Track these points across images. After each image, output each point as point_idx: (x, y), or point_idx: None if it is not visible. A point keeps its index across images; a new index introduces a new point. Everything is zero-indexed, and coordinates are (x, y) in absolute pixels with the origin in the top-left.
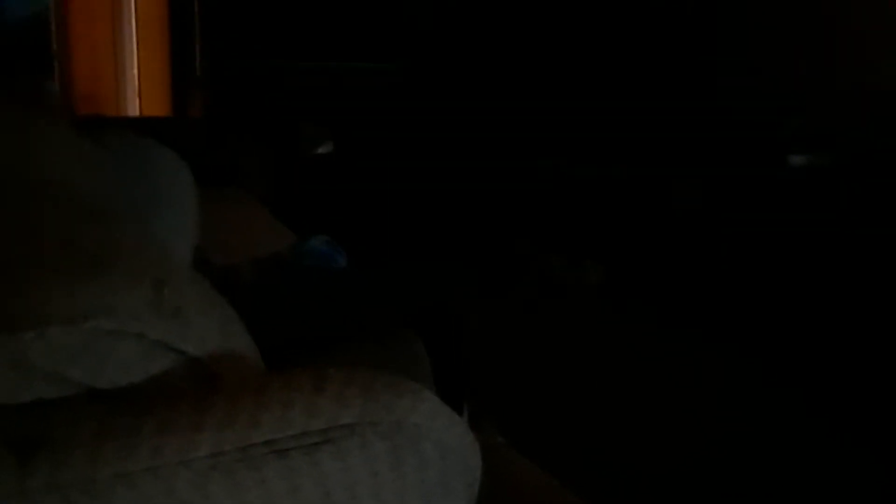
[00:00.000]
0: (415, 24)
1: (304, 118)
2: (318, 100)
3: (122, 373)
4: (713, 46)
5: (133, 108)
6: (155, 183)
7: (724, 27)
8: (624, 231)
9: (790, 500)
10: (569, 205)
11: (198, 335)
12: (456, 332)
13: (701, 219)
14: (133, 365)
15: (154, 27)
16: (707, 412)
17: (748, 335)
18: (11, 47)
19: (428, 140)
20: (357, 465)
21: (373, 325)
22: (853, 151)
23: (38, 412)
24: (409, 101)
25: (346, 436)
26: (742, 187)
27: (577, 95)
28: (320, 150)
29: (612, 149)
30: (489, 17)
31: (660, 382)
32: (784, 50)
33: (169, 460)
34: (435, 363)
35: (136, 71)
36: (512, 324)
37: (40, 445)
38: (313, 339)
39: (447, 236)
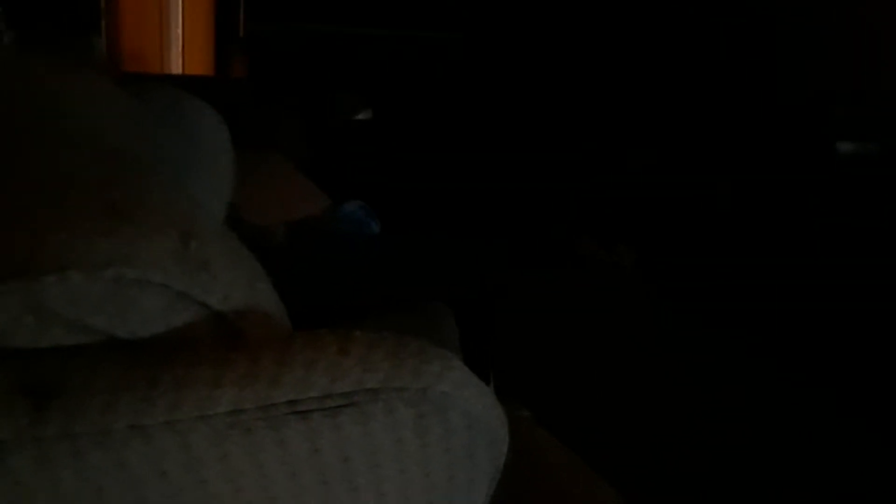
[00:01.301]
0: None
1: (344, 84)
2: (360, 66)
3: (143, 323)
4: (757, 30)
5: (176, 67)
6: (192, 137)
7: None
8: (659, 217)
9: (814, 480)
10: (607, 188)
11: (223, 289)
12: (487, 306)
13: (738, 206)
14: (155, 316)
15: None
16: (732, 397)
17: (779, 324)
18: (59, 2)
19: (470, 114)
20: (380, 430)
21: (403, 294)
22: None
23: (56, 359)
24: (456, 73)
25: (371, 400)
26: (785, 177)
27: (624, 80)
28: (359, 117)
29: (652, 135)
30: None
31: (686, 365)
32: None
33: (186, 415)
34: (464, 335)
35: (180, 30)
36: (544, 301)
37: (57, 393)
38: (342, 305)
39: (483, 210)
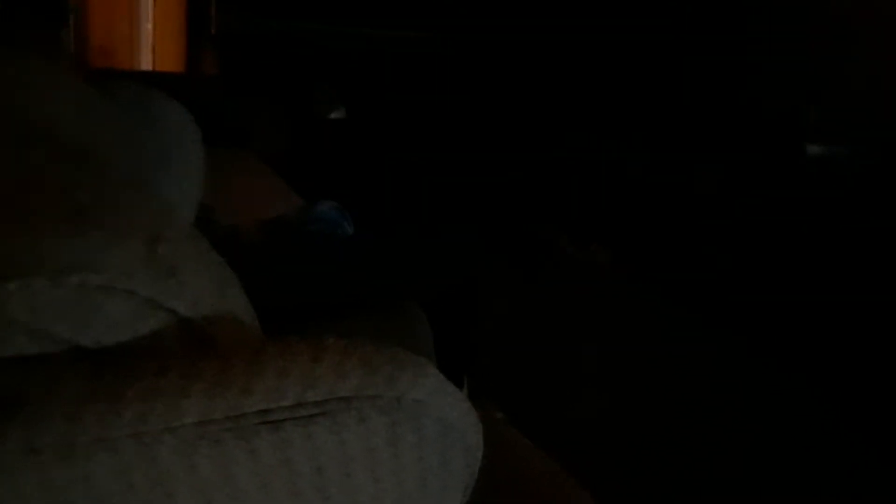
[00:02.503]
0: None
1: (318, 81)
2: (334, 64)
3: (109, 331)
4: (735, 34)
5: (147, 63)
6: (160, 136)
7: (745, 17)
8: (635, 216)
9: (793, 478)
10: (581, 187)
11: (192, 295)
12: (462, 307)
13: (714, 205)
14: (121, 323)
15: None
16: (710, 396)
17: (754, 322)
18: None
19: (445, 114)
20: (353, 440)
21: (375, 295)
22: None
23: (16, 369)
24: (432, 72)
25: (343, 409)
26: (757, 174)
27: (599, 82)
28: (333, 115)
29: (631, 134)
30: None
31: (663, 365)
32: (803, 40)
33: (153, 426)
34: (438, 336)
35: (150, 25)
36: (519, 300)
37: (18, 405)
38: (313, 306)
39: (459, 210)
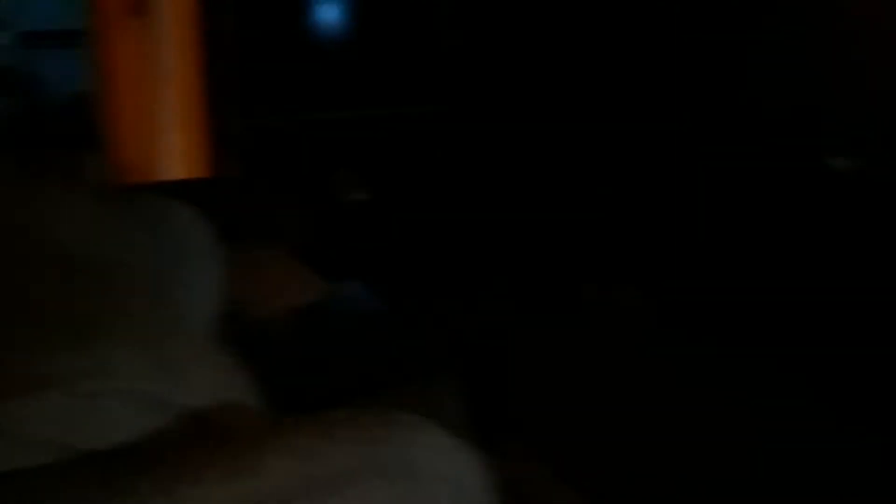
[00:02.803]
0: (448, 69)
1: (338, 167)
2: (353, 149)
3: (117, 430)
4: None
5: (173, 173)
6: (174, 242)
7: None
8: (664, 256)
9: None
10: (608, 233)
11: (197, 387)
12: (495, 367)
13: (740, 238)
14: (130, 422)
15: (191, 92)
16: (757, 443)
17: (789, 359)
18: (58, 123)
19: (463, 180)
20: None
21: (405, 369)
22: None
23: (28, 478)
24: (443, 143)
25: (352, 481)
26: (783, 197)
27: (608, 121)
28: (355, 197)
29: (647, 175)
30: (525, 54)
31: (705, 411)
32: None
33: None
34: (474, 399)
35: (174, 136)
36: (554, 354)
37: None
38: (345, 388)
39: (486, 273)
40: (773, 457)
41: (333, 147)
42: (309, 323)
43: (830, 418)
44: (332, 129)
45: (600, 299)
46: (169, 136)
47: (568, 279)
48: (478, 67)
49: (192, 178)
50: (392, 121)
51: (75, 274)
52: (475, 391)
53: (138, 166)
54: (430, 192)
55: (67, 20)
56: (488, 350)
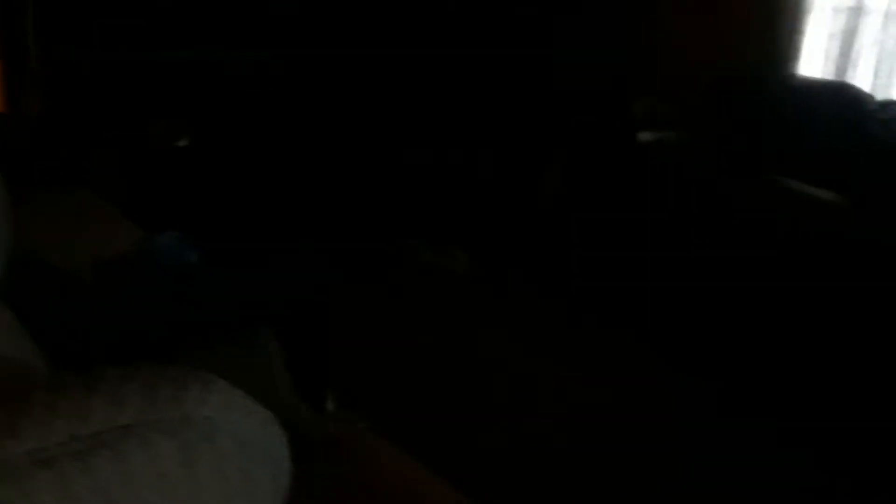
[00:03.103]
0: (279, 12)
1: (156, 112)
2: (172, 92)
3: None
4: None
5: None
6: None
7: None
8: (489, 219)
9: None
10: (434, 194)
11: None
12: (315, 324)
13: (560, 202)
14: None
15: None
16: (572, 399)
17: (612, 320)
18: None
19: (288, 132)
20: (140, 468)
21: (220, 325)
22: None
23: None
24: (272, 92)
25: (123, 437)
26: (595, 167)
27: (437, 87)
28: (173, 145)
29: (473, 137)
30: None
31: (525, 368)
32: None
33: None
34: (294, 356)
35: None
36: (379, 312)
37: None
38: (154, 342)
39: (312, 229)
40: (584, 409)
41: (151, 90)
42: (119, 274)
43: (656, 370)
44: (150, 71)
45: (428, 260)
46: None
47: (396, 238)
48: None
49: None
50: (215, 66)
51: None
52: (295, 347)
53: None
54: (255, 142)
55: None
56: (308, 306)
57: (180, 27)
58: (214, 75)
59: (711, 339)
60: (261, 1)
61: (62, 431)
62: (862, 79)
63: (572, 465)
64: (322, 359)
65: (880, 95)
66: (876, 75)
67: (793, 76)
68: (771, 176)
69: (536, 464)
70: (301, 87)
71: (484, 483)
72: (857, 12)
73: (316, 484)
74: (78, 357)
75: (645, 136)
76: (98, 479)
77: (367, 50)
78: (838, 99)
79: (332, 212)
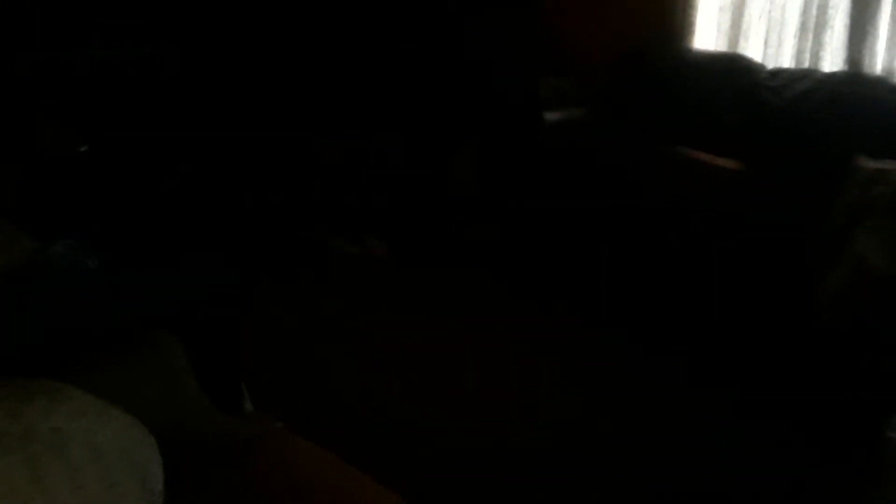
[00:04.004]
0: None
1: (50, 116)
2: (67, 94)
3: None
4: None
5: None
6: None
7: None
8: (406, 206)
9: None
10: (347, 184)
11: None
12: (224, 325)
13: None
14: None
15: None
16: (499, 386)
17: (531, 296)
18: None
19: (193, 130)
20: None
21: (122, 330)
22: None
23: None
24: (171, 90)
25: None
26: (510, 151)
27: (340, 76)
28: (68, 150)
29: (380, 126)
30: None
31: (449, 356)
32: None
33: None
34: (205, 358)
35: None
36: (298, 306)
37: None
38: (53, 351)
39: (223, 227)
40: (511, 395)
41: (42, 93)
42: (8, 287)
43: (578, 343)
44: (41, 73)
45: (347, 250)
46: None
47: (315, 231)
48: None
49: None
50: (112, 64)
51: None
52: (205, 350)
53: None
54: (155, 142)
55: None
56: (216, 307)
57: (71, 23)
58: (108, 76)
59: (621, 298)
60: None
61: None
62: (753, 49)
63: (502, 457)
64: (234, 360)
65: (771, 64)
66: (766, 45)
67: (688, 50)
68: (671, 147)
69: (463, 456)
70: (203, 83)
71: (409, 479)
72: None
73: (233, 486)
74: None
75: (552, 116)
76: None
77: (267, 41)
78: (731, 69)
79: (239, 209)
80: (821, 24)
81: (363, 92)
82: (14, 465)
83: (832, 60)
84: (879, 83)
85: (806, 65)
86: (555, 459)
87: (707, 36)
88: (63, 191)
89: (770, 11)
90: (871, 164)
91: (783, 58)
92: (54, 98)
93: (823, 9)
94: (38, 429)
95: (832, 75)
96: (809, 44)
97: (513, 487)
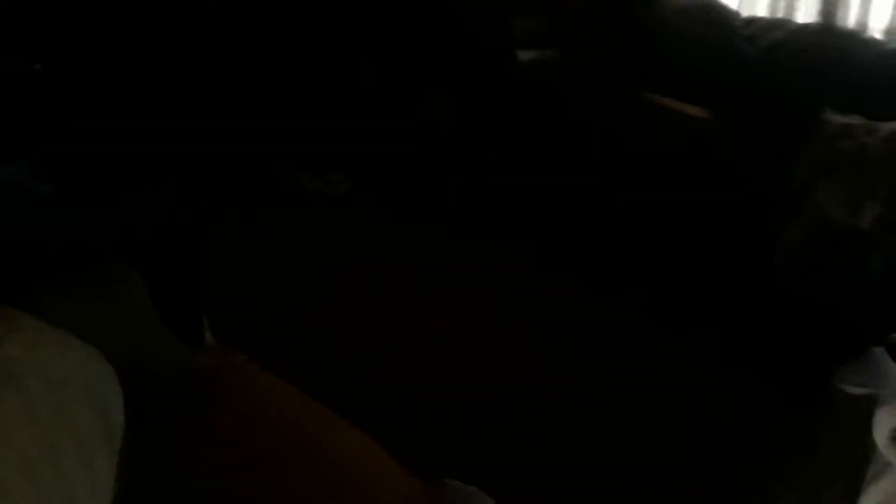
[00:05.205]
0: None
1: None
2: (21, 14)
3: None
4: None
5: None
6: None
7: None
8: (371, 144)
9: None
10: (312, 120)
11: None
12: (184, 256)
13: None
14: None
15: None
16: (458, 323)
17: (496, 237)
18: None
19: (162, 52)
20: None
21: (77, 258)
22: None
23: None
24: (135, 7)
25: None
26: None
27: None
28: (23, 69)
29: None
30: None
31: (409, 289)
32: None
33: None
34: (165, 289)
35: None
36: (261, 242)
37: None
38: (6, 278)
39: (183, 160)
40: (470, 331)
41: None
42: None
43: (539, 281)
44: None
45: (310, 187)
46: None
47: (277, 169)
48: None
49: None
50: None
51: None
52: (165, 280)
53: None
54: (117, 65)
55: None
56: (176, 236)
57: None
58: None
59: (585, 241)
60: None
61: None
62: None
63: (462, 389)
64: (195, 291)
65: (746, 12)
66: None
67: None
68: (644, 93)
69: (425, 387)
70: (168, 3)
71: (368, 411)
72: None
73: (193, 418)
74: None
75: (524, 56)
76: None
77: None
78: (706, 16)
79: (201, 136)
80: None
81: (334, 25)
82: None
83: (806, 11)
84: (851, 37)
85: (780, 14)
86: (517, 401)
87: None
88: (16, 111)
89: None
90: (838, 118)
91: (758, 6)
92: (6, 16)
93: None
94: None
95: (805, 26)
96: None
97: (470, 424)
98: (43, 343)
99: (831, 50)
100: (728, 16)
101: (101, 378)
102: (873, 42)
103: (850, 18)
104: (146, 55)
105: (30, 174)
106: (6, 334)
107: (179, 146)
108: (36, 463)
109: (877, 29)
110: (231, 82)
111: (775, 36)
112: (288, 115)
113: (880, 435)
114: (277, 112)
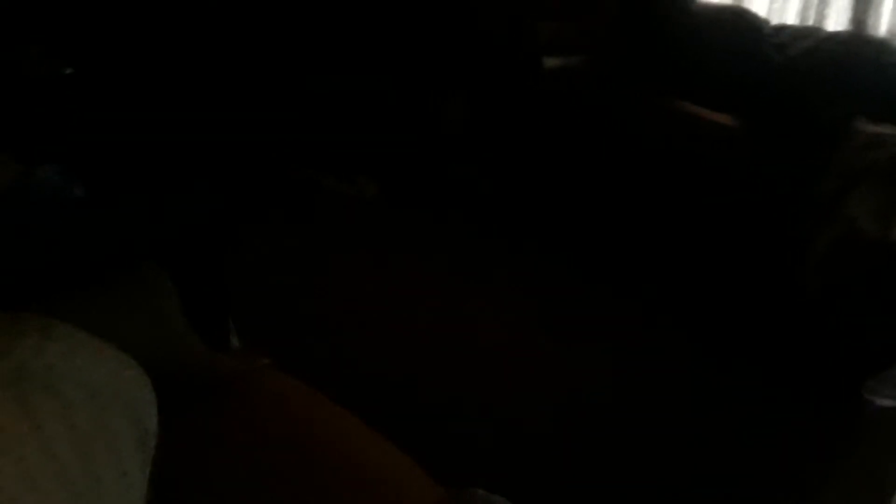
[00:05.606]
0: None
1: (33, 38)
2: (52, 15)
3: None
4: None
5: None
6: None
7: None
8: (396, 147)
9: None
10: (340, 123)
11: None
12: (214, 260)
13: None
14: None
15: None
16: (486, 326)
17: (521, 239)
18: None
19: (187, 56)
20: None
21: (108, 262)
22: None
23: None
24: (162, 14)
25: None
26: (503, 98)
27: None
28: (54, 73)
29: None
30: None
31: (439, 294)
32: None
33: None
34: (192, 293)
35: None
36: (287, 244)
37: None
38: (38, 282)
39: (211, 161)
40: (497, 333)
41: (26, 14)
42: None
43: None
44: None
45: (337, 189)
46: None
47: (306, 170)
48: None
49: None
50: None
51: None
52: (193, 284)
53: None
54: (146, 69)
55: None
56: (204, 241)
57: None
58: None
59: (610, 248)
60: None
61: None
62: (758, 4)
63: (487, 397)
64: (223, 295)
65: (775, 20)
66: (771, 0)
67: (692, 1)
68: (671, 100)
69: (450, 392)
70: (195, 8)
71: (395, 417)
72: None
73: (219, 422)
74: None
75: (550, 62)
76: None
77: None
78: (735, 24)
79: (231, 140)
80: None
81: (357, 28)
82: (5, 402)
83: (836, 20)
84: (883, 46)
85: (810, 22)
86: (529, 399)
87: None
88: (48, 114)
89: None
90: (869, 127)
91: (788, 14)
92: (38, 19)
93: None
94: (30, 366)
95: (835, 35)
96: (815, 1)
97: (502, 430)
98: (79, 351)
99: (862, 58)
100: (758, 24)
101: (136, 386)
102: None
103: (882, 26)
104: (178, 61)
105: (62, 177)
106: (44, 343)
107: (208, 151)
108: (72, 471)
109: None
110: (260, 87)
111: (805, 44)
112: (316, 119)
113: None
114: (306, 117)
